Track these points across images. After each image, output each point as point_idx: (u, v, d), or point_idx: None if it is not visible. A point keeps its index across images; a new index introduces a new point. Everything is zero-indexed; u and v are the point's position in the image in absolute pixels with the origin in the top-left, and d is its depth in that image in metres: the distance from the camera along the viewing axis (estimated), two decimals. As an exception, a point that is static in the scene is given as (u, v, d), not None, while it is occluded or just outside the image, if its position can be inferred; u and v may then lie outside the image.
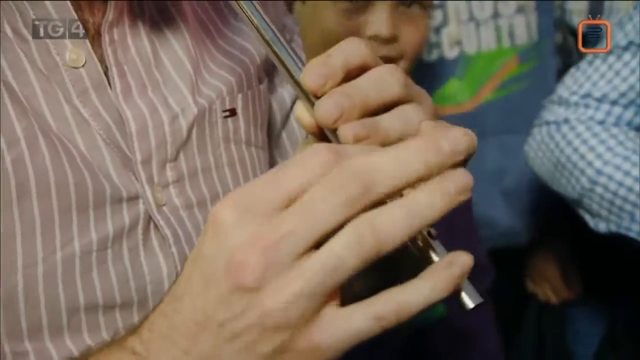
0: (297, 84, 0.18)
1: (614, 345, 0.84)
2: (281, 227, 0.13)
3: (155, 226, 0.28)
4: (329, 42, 0.32)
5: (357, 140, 0.15)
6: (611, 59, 0.66)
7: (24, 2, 0.25)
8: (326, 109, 0.16)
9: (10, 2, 0.25)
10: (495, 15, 0.78)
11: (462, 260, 0.14)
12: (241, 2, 0.20)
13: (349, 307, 0.14)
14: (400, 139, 0.16)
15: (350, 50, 0.18)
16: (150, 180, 0.28)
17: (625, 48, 0.66)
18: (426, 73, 0.77)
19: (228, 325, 0.14)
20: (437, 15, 0.77)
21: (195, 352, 0.15)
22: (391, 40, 0.58)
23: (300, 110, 0.18)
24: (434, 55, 0.78)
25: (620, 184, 0.61)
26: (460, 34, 0.78)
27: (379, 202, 0.13)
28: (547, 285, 0.89)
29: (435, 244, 0.16)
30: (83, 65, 0.27)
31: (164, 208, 0.29)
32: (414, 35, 0.61)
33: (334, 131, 0.16)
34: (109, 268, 0.26)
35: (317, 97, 0.17)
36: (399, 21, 0.59)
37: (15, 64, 0.25)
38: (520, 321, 0.93)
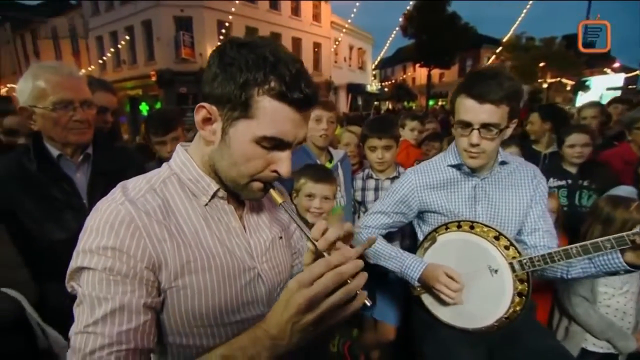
0: (307, 236, 0.68)
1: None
2: (318, 292, 0.57)
3: (260, 276, 0.82)
4: None
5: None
6: (372, 216, 1.53)
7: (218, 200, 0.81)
8: (322, 247, 0.66)
9: (206, 181, 0.78)
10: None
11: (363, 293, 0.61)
12: (283, 204, 0.75)
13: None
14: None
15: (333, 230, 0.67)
16: (259, 261, 0.82)
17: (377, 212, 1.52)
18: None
19: (304, 321, 0.59)
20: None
21: (278, 336, 0.61)
22: None
23: (308, 245, 0.69)
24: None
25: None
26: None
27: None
28: None
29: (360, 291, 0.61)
30: (238, 226, 0.82)
31: (264, 272, 0.83)
32: None
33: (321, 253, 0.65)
34: (247, 292, 0.79)
35: (315, 241, 0.66)
36: None
37: (211, 222, 0.78)
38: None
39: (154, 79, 17.10)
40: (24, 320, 1.03)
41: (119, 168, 1.02)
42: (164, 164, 0.81)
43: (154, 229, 0.68)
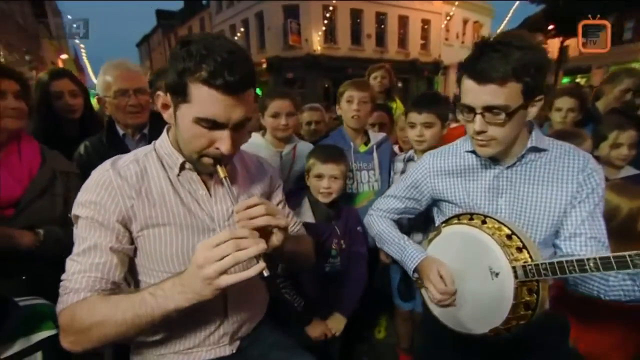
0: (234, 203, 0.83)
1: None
2: (215, 253, 0.69)
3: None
4: None
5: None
6: (384, 200, 1.46)
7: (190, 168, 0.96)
8: (236, 218, 0.80)
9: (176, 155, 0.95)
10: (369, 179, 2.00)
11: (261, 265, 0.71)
12: (224, 179, 0.86)
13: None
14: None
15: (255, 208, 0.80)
16: (220, 225, 0.98)
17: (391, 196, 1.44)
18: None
19: (200, 275, 0.70)
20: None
21: (186, 284, 0.74)
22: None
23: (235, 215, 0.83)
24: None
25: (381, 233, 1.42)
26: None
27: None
28: None
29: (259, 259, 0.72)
30: (205, 193, 0.97)
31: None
32: None
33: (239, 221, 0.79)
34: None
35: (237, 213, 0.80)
36: None
37: (179, 188, 0.95)
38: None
39: (264, 66, 18.61)
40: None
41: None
42: (153, 142, 1.00)
43: (125, 190, 0.88)
